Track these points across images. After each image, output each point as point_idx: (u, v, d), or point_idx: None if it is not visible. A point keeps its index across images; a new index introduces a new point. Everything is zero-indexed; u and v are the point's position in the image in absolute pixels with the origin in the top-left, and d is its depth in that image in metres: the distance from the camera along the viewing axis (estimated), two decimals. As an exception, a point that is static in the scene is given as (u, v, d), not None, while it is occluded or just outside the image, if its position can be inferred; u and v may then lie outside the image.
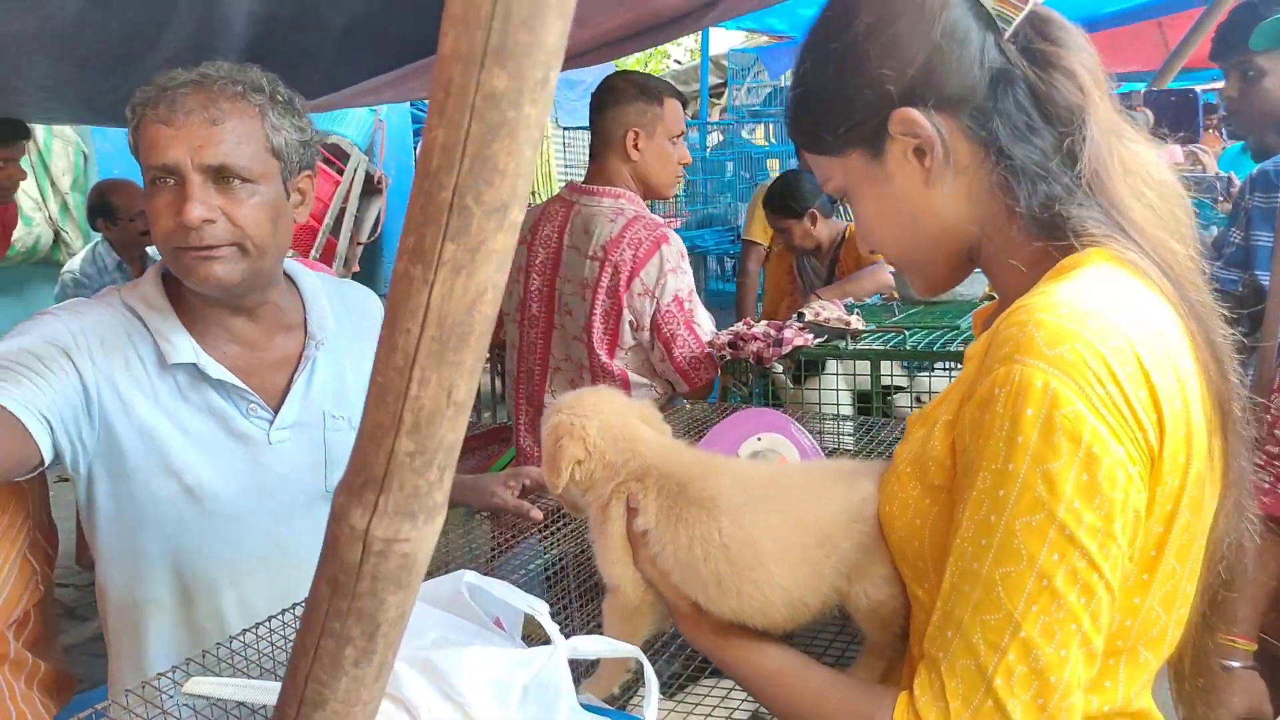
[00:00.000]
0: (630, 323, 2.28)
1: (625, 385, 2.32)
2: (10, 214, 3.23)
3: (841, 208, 0.98)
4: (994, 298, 2.64)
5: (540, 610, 0.97)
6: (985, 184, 0.84)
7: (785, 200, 3.72)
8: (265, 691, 0.94)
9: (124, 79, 2.13)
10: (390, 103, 4.87)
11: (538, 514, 1.51)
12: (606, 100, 2.37)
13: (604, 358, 2.31)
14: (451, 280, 0.51)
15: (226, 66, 1.29)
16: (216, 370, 1.33)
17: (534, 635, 1.01)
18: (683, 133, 2.43)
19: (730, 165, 5.82)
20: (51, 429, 1.21)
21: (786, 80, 6.24)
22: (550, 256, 2.41)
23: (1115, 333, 0.73)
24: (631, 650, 0.97)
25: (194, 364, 1.32)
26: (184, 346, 1.32)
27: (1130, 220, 0.81)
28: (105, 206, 3.65)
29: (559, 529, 1.58)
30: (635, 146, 2.34)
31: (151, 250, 3.86)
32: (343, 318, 1.49)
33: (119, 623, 1.41)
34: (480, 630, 0.98)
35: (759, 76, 6.84)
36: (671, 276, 2.26)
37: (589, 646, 0.94)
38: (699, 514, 0.92)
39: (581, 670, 1.07)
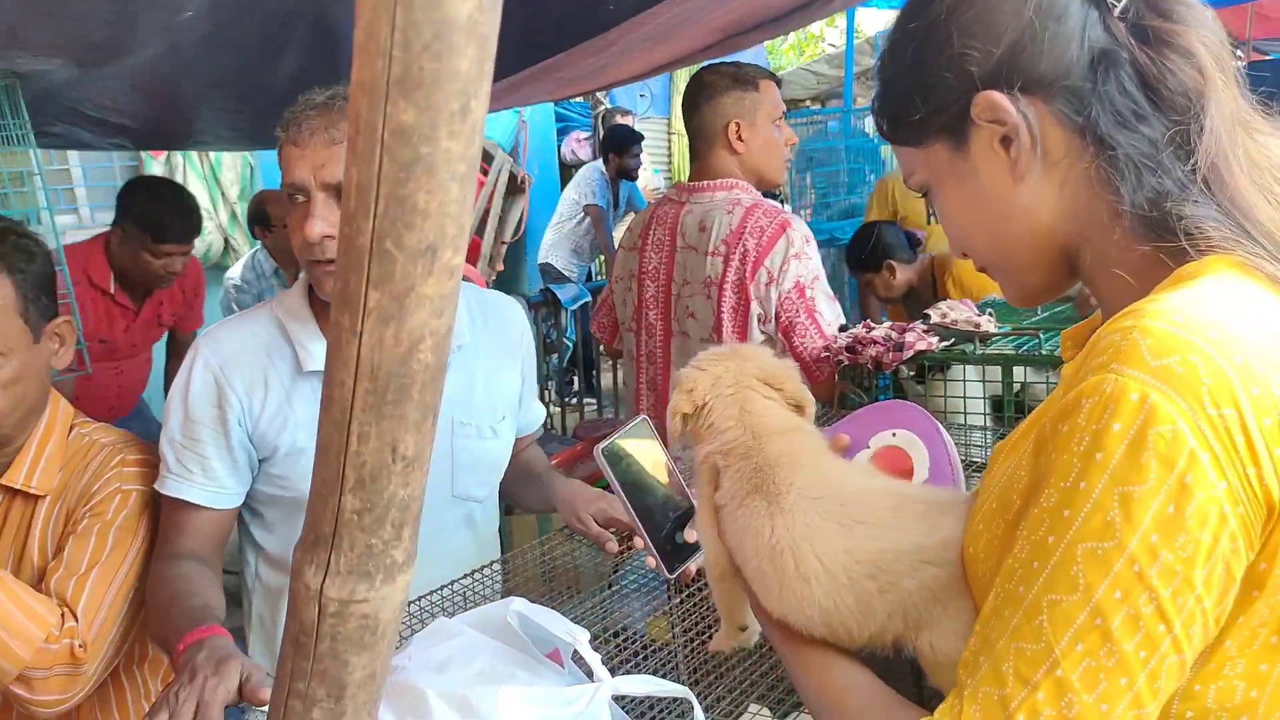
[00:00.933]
0: (758, 315, 2.18)
1: None
2: (196, 273, 3.46)
3: (930, 215, 0.90)
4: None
5: (580, 640, 0.93)
6: (1083, 178, 0.74)
7: (858, 255, 3.58)
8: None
9: (251, 102, 2.23)
10: (531, 104, 4.93)
11: (613, 546, 1.48)
12: (700, 96, 2.27)
13: None
14: (380, 330, 0.47)
15: (340, 90, 1.34)
16: None
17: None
18: (784, 113, 2.31)
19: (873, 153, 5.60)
20: (238, 487, 1.41)
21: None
22: (664, 261, 2.36)
23: (1241, 347, 0.61)
24: (680, 691, 0.91)
25: None
26: (319, 354, 1.39)
27: (1256, 222, 0.70)
28: (262, 215, 3.86)
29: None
30: (739, 138, 2.24)
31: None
32: (480, 327, 1.54)
33: (260, 613, 1.52)
34: (528, 662, 0.95)
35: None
36: (794, 262, 2.14)
37: (633, 687, 0.89)
38: (760, 505, 0.86)
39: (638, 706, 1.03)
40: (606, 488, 1.41)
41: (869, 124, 5.70)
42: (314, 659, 0.55)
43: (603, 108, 7.59)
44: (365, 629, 0.55)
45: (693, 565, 1.37)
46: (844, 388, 2.11)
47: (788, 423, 0.91)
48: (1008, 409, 1.89)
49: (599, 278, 6.67)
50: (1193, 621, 0.61)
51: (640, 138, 6.33)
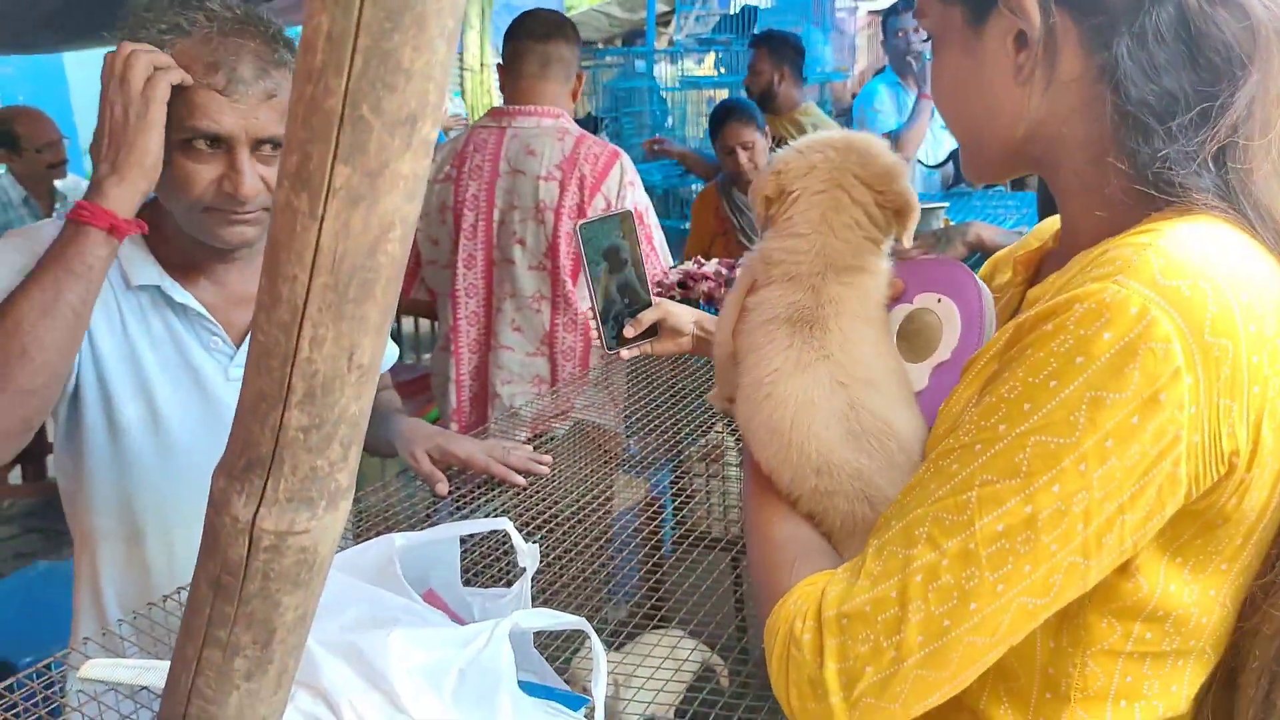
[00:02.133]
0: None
1: (586, 332, 2.23)
2: None
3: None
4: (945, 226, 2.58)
5: (508, 526, 0.89)
6: (1088, 111, 0.71)
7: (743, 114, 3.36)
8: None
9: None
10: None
11: (443, 488, 1.46)
12: (562, 34, 2.31)
13: (570, 285, 2.21)
14: (347, 213, 0.40)
15: (239, 5, 1.23)
16: (180, 294, 1.30)
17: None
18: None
19: (677, 96, 5.65)
20: None
21: (736, 8, 6.05)
22: (485, 187, 2.28)
23: (1248, 286, 0.61)
24: (577, 622, 0.89)
25: (158, 286, 1.29)
26: (149, 269, 1.29)
27: (1265, 210, 0.67)
28: (9, 136, 3.39)
29: (495, 496, 1.50)
30: (575, 95, 2.35)
31: (61, 185, 3.62)
32: None
33: (79, 552, 1.37)
34: (409, 605, 0.89)
35: (707, 3, 6.64)
36: (630, 189, 2.19)
37: (532, 621, 0.86)
38: (781, 337, 0.81)
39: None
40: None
41: (668, 70, 5.75)
42: (240, 602, 0.48)
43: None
44: (302, 564, 0.48)
45: (626, 353, 1.43)
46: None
47: (861, 257, 0.83)
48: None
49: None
50: (1108, 530, 0.61)
51: None
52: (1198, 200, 0.66)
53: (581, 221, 1.37)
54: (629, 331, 1.42)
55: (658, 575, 1.63)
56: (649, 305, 1.45)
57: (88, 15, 1.90)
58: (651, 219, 2.22)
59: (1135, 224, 0.68)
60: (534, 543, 0.97)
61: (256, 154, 1.23)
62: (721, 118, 3.31)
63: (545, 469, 1.56)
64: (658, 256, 2.18)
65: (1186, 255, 0.61)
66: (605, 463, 1.70)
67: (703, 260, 2.13)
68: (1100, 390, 0.59)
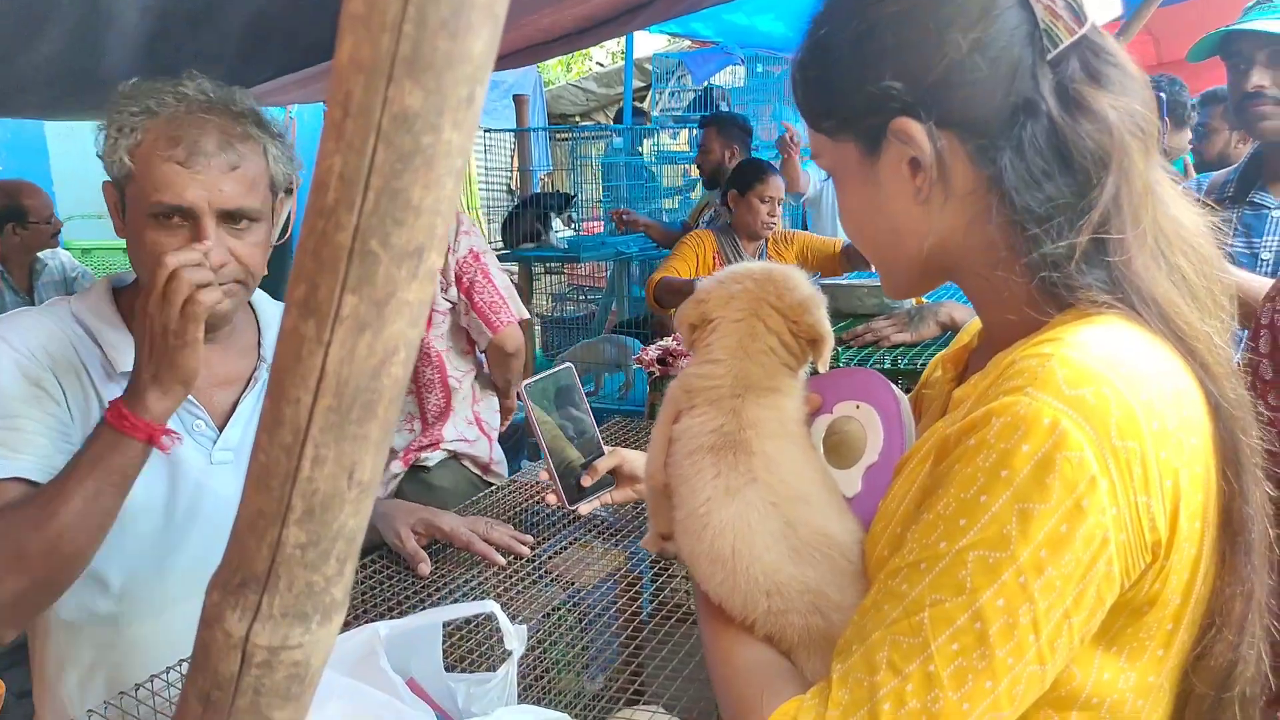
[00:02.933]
0: (440, 284, 2.32)
1: (441, 366, 2.30)
2: None
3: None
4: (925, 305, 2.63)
5: (495, 609, 0.89)
6: (984, 219, 0.75)
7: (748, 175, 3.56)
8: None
9: (5, 71, 1.96)
10: (299, 104, 4.66)
11: (424, 569, 1.46)
12: None
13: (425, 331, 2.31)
14: (353, 340, 0.41)
15: (215, 89, 1.27)
16: None
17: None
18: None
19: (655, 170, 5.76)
20: None
21: (710, 85, 6.21)
22: None
23: (1147, 386, 0.65)
24: (561, 718, 0.88)
25: None
26: (131, 355, 1.28)
27: (1149, 296, 0.71)
28: (15, 209, 3.38)
29: (481, 578, 1.49)
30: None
31: (44, 255, 3.61)
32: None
33: (39, 641, 1.35)
34: (391, 702, 0.88)
35: (682, 81, 6.80)
36: (465, 237, 2.30)
37: (517, 718, 0.85)
38: (708, 467, 0.83)
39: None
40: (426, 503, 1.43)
41: (647, 144, 5.87)
42: (230, 716, 0.48)
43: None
44: (294, 678, 0.48)
45: (586, 507, 1.42)
46: (655, 399, 2.14)
47: (776, 378, 0.86)
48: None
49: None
50: (1058, 635, 0.64)
51: None
52: (1087, 297, 0.70)
53: (525, 383, 1.39)
54: (585, 481, 1.44)
55: (634, 647, 1.62)
56: (601, 454, 1.47)
57: (70, 88, 1.93)
58: (490, 259, 2.32)
59: (1041, 324, 0.72)
60: (519, 623, 0.97)
61: (225, 226, 1.25)
62: (760, 172, 3.46)
63: (526, 550, 1.56)
64: (496, 290, 2.27)
65: (1086, 363, 0.64)
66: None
67: (681, 337, 2.15)
68: (1026, 502, 0.62)
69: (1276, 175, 1.90)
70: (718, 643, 0.81)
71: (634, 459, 1.49)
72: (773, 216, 3.43)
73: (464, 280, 2.30)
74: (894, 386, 0.94)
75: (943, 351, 0.92)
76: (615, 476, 1.49)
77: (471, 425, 2.33)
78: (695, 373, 0.89)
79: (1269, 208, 1.89)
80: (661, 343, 2.14)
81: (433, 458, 2.26)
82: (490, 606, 0.92)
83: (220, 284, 1.24)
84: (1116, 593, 0.66)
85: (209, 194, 1.22)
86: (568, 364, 1.45)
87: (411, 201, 0.39)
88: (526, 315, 2.41)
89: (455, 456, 2.32)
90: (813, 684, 0.73)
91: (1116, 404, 0.64)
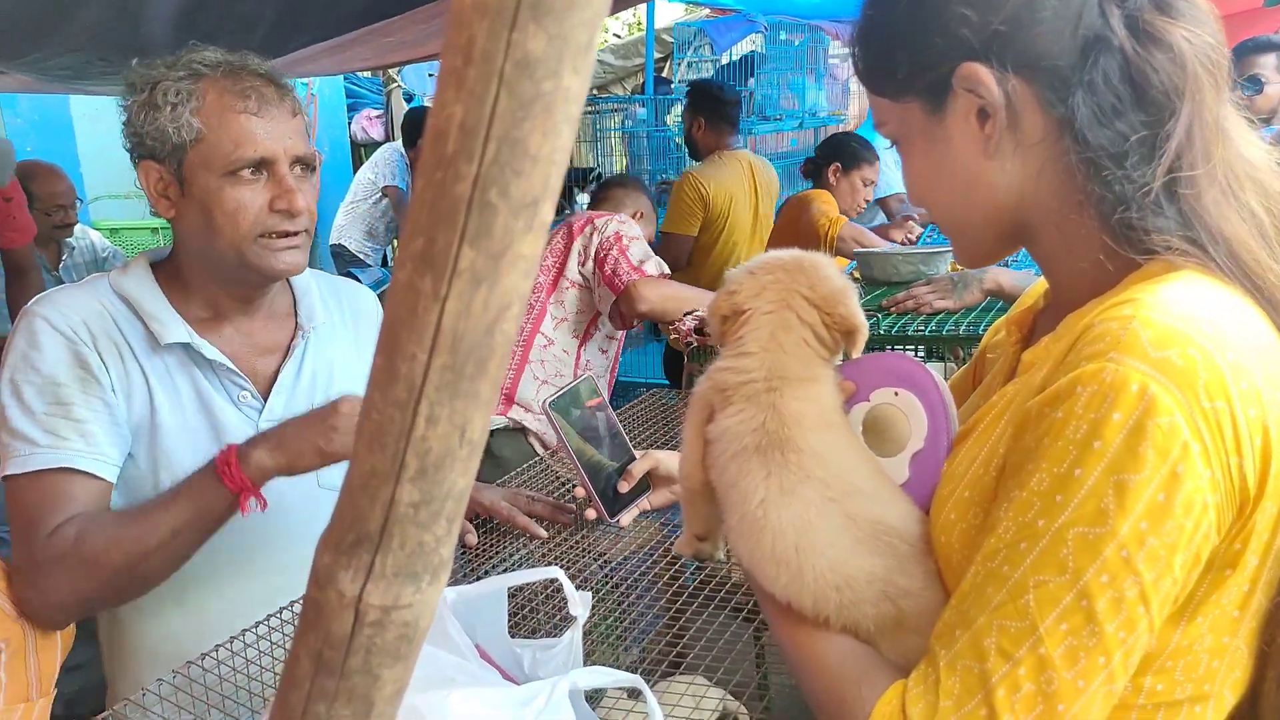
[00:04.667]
0: (578, 253, 2.45)
1: (535, 325, 2.44)
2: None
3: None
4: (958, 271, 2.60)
5: (560, 575, 0.90)
6: (1056, 166, 0.74)
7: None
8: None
9: (44, 43, 1.96)
10: (326, 74, 4.66)
11: (471, 539, 1.48)
12: None
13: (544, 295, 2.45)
14: (470, 294, 0.41)
15: (244, 54, 1.28)
16: (211, 351, 1.31)
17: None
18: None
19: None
20: (119, 457, 1.27)
21: (732, 56, 6.15)
22: None
23: (1232, 344, 0.64)
24: (632, 680, 0.88)
25: (187, 344, 1.30)
26: (177, 327, 1.30)
27: (1218, 234, 0.70)
28: (25, 195, 3.40)
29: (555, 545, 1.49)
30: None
31: (75, 236, 3.62)
32: (333, 311, 1.47)
33: (105, 615, 1.38)
34: (463, 664, 0.89)
35: (700, 51, 6.74)
36: (618, 223, 2.42)
37: (590, 679, 0.85)
38: (757, 469, 0.81)
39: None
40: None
41: (670, 114, 5.82)
42: (342, 676, 0.48)
43: (394, 85, 7.28)
44: (403, 638, 0.48)
45: (627, 517, 1.40)
46: (693, 369, 2.13)
47: (811, 369, 0.85)
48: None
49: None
50: (1167, 603, 0.65)
51: None
52: (1160, 243, 0.69)
53: (547, 400, 1.37)
54: (622, 488, 1.42)
55: (673, 616, 1.62)
56: (632, 459, 1.45)
57: (108, 54, 1.93)
58: (631, 244, 2.39)
59: (1114, 279, 0.71)
60: (585, 590, 0.97)
61: (297, 176, 1.27)
62: (871, 153, 3.56)
63: (568, 518, 1.56)
64: (630, 261, 2.35)
65: (1171, 323, 0.63)
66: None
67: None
68: (1121, 473, 0.62)
69: None
70: (797, 642, 0.80)
71: (668, 459, 1.48)
72: (867, 201, 3.51)
73: (600, 252, 2.41)
74: (931, 370, 0.92)
75: (1005, 315, 0.91)
76: (650, 479, 1.48)
77: None
78: (728, 367, 0.87)
79: None
80: (698, 311, 2.13)
81: (496, 422, 2.29)
82: (554, 572, 0.92)
83: (297, 234, 1.26)
84: (1210, 550, 0.65)
85: (283, 142, 1.23)
86: (588, 374, 1.42)
87: (530, 150, 0.39)
88: (668, 272, 2.43)
89: (522, 430, 2.34)
90: (897, 667, 0.73)
91: (1204, 364, 0.63)
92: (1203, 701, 0.70)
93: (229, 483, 1.14)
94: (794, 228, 3.49)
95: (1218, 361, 0.63)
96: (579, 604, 0.93)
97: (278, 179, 1.24)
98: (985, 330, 1.96)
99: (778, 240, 3.60)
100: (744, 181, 3.83)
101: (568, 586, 0.92)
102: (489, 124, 0.38)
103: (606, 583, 1.44)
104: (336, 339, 1.46)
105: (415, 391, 0.42)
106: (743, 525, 0.82)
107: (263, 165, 1.23)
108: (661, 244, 3.66)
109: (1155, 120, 0.71)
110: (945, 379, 0.96)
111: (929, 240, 3.38)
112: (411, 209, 0.41)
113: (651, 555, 1.59)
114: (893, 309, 2.17)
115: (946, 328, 2.01)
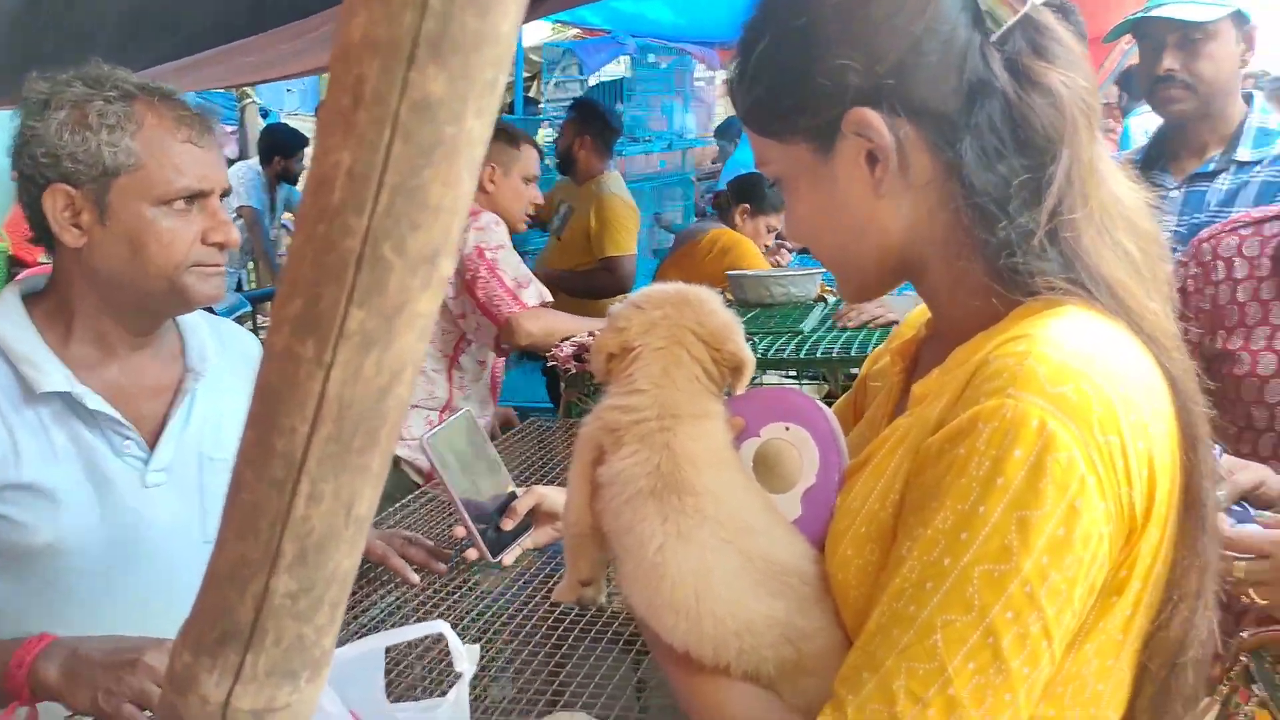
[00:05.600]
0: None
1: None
2: None
3: None
4: (826, 299, 2.66)
5: (445, 629, 0.84)
6: (944, 208, 0.74)
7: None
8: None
9: None
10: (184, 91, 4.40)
11: (414, 577, 1.40)
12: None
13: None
14: (359, 358, 0.36)
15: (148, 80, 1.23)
16: (94, 400, 1.19)
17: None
18: (535, 177, 2.70)
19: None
20: None
21: (601, 77, 6.16)
22: None
23: (1121, 378, 0.66)
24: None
25: (67, 393, 1.17)
26: (55, 374, 1.17)
27: (1098, 275, 0.71)
28: None
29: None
30: (491, 180, 2.56)
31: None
32: (220, 352, 1.36)
33: None
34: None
35: (569, 71, 6.73)
36: (474, 232, 2.34)
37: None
38: (653, 512, 0.77)
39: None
40: None
41: (540, 134, 5.77)
42: (207, 791, 0.42)
43: (249, 100, 6.97)
44: (280, 741, 0.42)
45: (509, 556, 1.34)
46: (571, 396, 2.10)
47: (703, 405, 0.82)
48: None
49: (249, 286, 6.10)
50: (1067, 635, 0.65)
51: (306, 140, 5.89)
52: (1044, 285, 0.70)
53: (426, 436, 1.31)
54: (506, 524, 1.36)
55: (558, 654, 1.58)
56: (515, 495, 1.40)
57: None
58: (502, 255, 2.35)
59: (999, 313, 0.72)
60: (469, 642, 0.92)
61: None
62: (777, 200, 3.45)
63: (443, 568, 1.49)
64: (500, 280, 2.31)
65: (1065, 359, 0.65)
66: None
67: (596, 333, 2.11)
68: (1024, 509, 0.62)
69: (1177, 156, 1.98)
70: (697, 692, 0.77)
71: (552, 495, 1.42)
72: (766, 246, 3.54)
73: (465, 273, 2.33)
74: (821, 404, 0.91)
75: (885, 343, 0.91)
76: (534, 516, 1.43)
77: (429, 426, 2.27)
78: (617, 405, 0.83)
79: (1168, 188, 1.97)
80: (577, 339, 2.10)
81: None
82: (440, 626, 0.86)
83: (222, 264, 1.23)
84: (1103, 579, 0.67)
85: (217, 173, 1.21)
86: (466, 409, 1.37)
87: (430, 202, 0.35)
88: (548, 299, 2.40)
89: (395, 461, 2.24)
90: (800, 711, 0.71)
91: (1097, 399, 0.64)
92: None
93: (8, 680, 1.03)
94: (698, 262, 3.51)
95: (1109, 396, 0.64)
96: (465, 658, 0.88)
97: (210, 211, 1.19)
98: (857, 354, 2.01)
99: (678, 268, 3.59)
100: None
101: (453, 640, 0.87)
102: (382, 172, 0.33)
103: (490, 626, 1.39)
104: (224, 384, 1.35)
105: (294, 468, 0.37)
106: (639, 573, 0.78)
107: (196, 196, 1.19)
108: (613, 267, 3.66)
109: (1037, 164, 0.71)
110: (823, 401, 0.95)
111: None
112: (289, 266, 0.36)
113: (530, 585, 1.55)
114: (838, 323, 2.24)
115: (820, 351, 2.04)
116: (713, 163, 7.00)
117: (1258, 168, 1.81)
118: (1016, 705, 0.64)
